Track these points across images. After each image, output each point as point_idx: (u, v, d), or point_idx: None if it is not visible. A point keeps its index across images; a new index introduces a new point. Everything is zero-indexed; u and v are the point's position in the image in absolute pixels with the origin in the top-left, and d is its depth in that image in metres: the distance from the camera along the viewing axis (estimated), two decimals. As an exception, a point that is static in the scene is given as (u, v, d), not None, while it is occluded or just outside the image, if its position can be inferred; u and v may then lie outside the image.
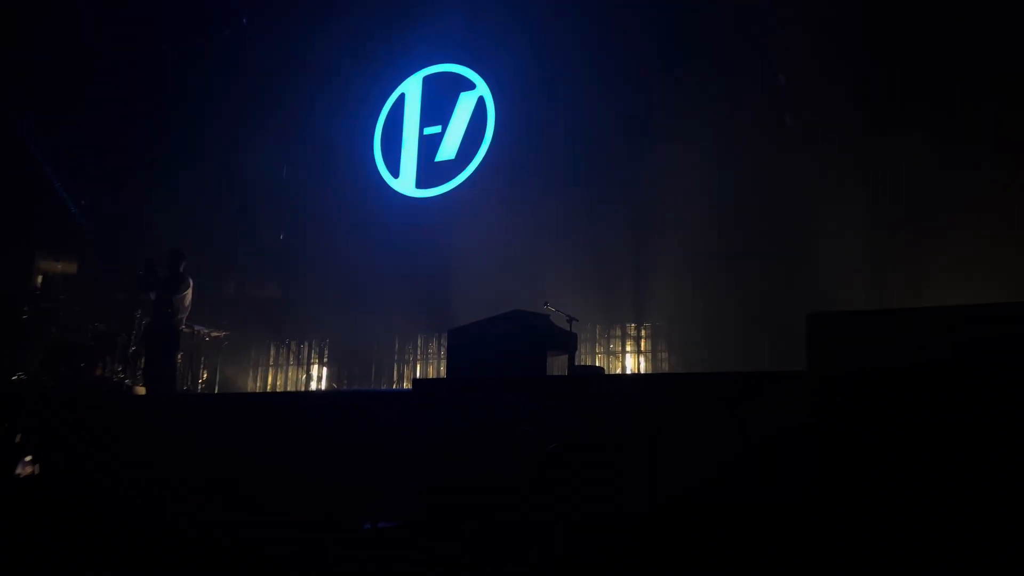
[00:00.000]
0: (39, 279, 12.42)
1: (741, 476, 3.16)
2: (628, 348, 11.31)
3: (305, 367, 13.79)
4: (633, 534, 3.23)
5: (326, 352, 13.73)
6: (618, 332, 11.40)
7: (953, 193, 8.87)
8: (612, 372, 10.89)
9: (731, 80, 10.40)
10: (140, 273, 9.52)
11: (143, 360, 10.22)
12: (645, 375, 10.46)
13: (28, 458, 4.51)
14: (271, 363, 14.11)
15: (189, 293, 9.66)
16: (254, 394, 12.61)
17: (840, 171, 9.64)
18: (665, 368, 10.89)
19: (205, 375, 12.31)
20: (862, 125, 9.89)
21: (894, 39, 9.63)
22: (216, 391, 12.29)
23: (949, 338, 4.03)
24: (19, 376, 11.40)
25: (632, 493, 3.33)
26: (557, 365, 8.44)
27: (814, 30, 9.88)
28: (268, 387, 13.87)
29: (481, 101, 12.84)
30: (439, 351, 12.42)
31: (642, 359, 11.17)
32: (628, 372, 11.04)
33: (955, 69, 9.17)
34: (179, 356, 10.16)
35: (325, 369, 13.69)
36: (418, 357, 12.85)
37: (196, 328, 11.17)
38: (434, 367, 12.56)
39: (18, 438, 4.64)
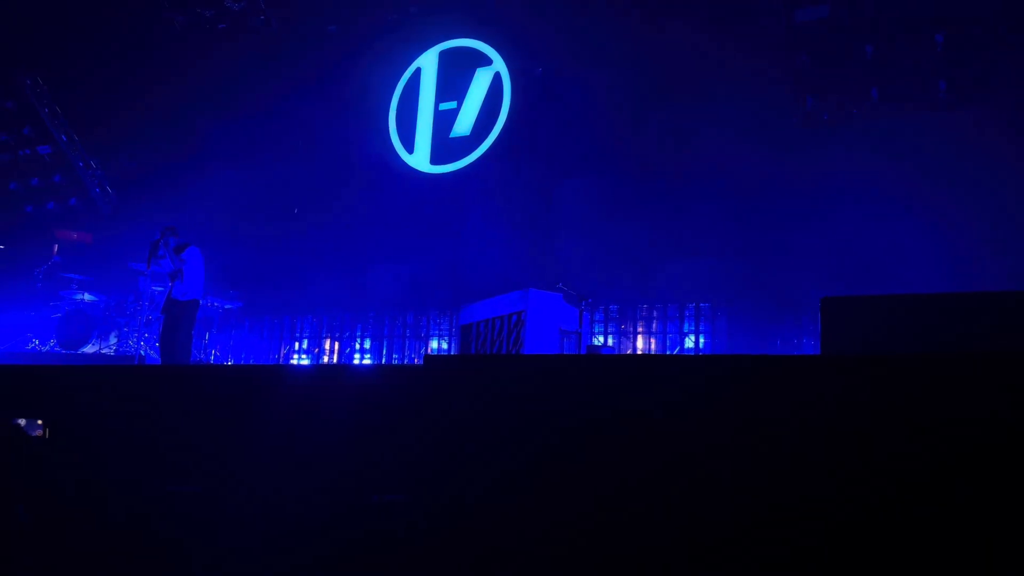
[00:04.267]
0: (55, 248, 12.51)
1: (743, 465, 3.14)
2: (639, 329, 11.29)
3: (319, 340, 13.87)
4: (633, 517, 3.22)
5: (339, 326, 13.79)
6: (631, 313, 11.37)
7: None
8: (623, 352, 10.88)
9: (752, 57, 10.26)
10: (151, 245, 9.56)
11: (162, 331, 10.29)
12: (651, 356, 10.43)
13: (39, 421, 4.54)
14: (285, 335, 14.18)
15: (199, 266, 9.67)
16: (265, 366, 12.70)
17: (864, 149, 9.53)
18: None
19: (217, 347, 12.41)
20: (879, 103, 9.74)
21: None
22: (229, 362, 12.39)
23: (966, 324, 3.99)
24: (34, 344, 11.53)
25: (630, 481, 3.32)
26: (569, 344, 8.44)
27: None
28: (281, 359, 13.97)
29: (497, 77, 12.74)
30: (451, 327, 12.45)
31: (653, 340, 11.15)
32: (638, 353, 11.03)
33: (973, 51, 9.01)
34: (192, 327, 10.19)
35: (337, 344, 13.76)
36: (431, 333, 12.89)
37: (209, 300, 11.24)
38: (447, 343, 12.60)
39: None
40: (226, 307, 11.92)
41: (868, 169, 9.38)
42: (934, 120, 9.52)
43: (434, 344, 12.84)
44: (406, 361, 12.76)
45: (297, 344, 14.10)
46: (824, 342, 4.24)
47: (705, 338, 10.80)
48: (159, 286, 10.52)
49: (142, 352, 10.70)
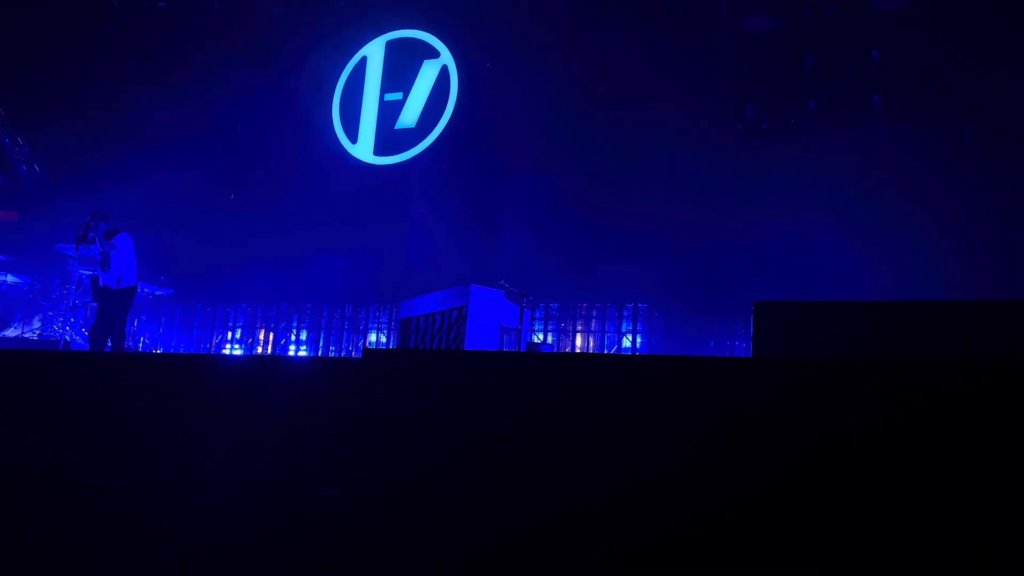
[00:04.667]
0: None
1: (671, 462, 3.21)
2: (579, 327, 11.40)
3: (253, 330, 13.58)
4: (560, 522, 3.26)
5: (274, 316, 13.53)
6: (571, 311, 11.48)
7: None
8: (562, 350, 10.97)
9: (697, 64, 10.46)
10: (81, 227, 9.20)
11: (96, 319, 9.90)
12: (589, 355, 10.55)
13: None
14: (217, 324, 13.84)
15: (130, 253, 9.35)
16: (196, 355, 12.37)
17: (801, 158, 9.82)
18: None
19: (146, 335, 12.03)
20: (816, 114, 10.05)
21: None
22: (158, 351, 12.04)
23: (894, 332, 4.15)
24: (-50, 326, 11.00)
25: (566, 476, 3.36)
26: (509, 341, 8.47)
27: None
28: (213, 349, 13.64)
29: (444, 70, 12.67)
30: (391, 321, 12.34)
31: (592, 339, 11.27)
32: (576, 351, 11.14)
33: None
34: (127, 316, 9.83)
35: (272, 334, 13.50)
36: (369, 326, 12.76)
37: (141, 287, 10.88)
38: (386, 336, 12.49)
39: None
40: (156, 294, 11.57)
41: (804, 178, 9.66)
42: (869, 132, 9.86)
43: (373, 337, 12.71)
44: (343, 354, 12.60)
45: (230, 334, 13.78)
46: (756, 345, 4.35)
47: (642, 338, 10.98)
48: (87, 270, 10.15)
49: (67, 338, 10.30)
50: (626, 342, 11.07)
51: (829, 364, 3.29)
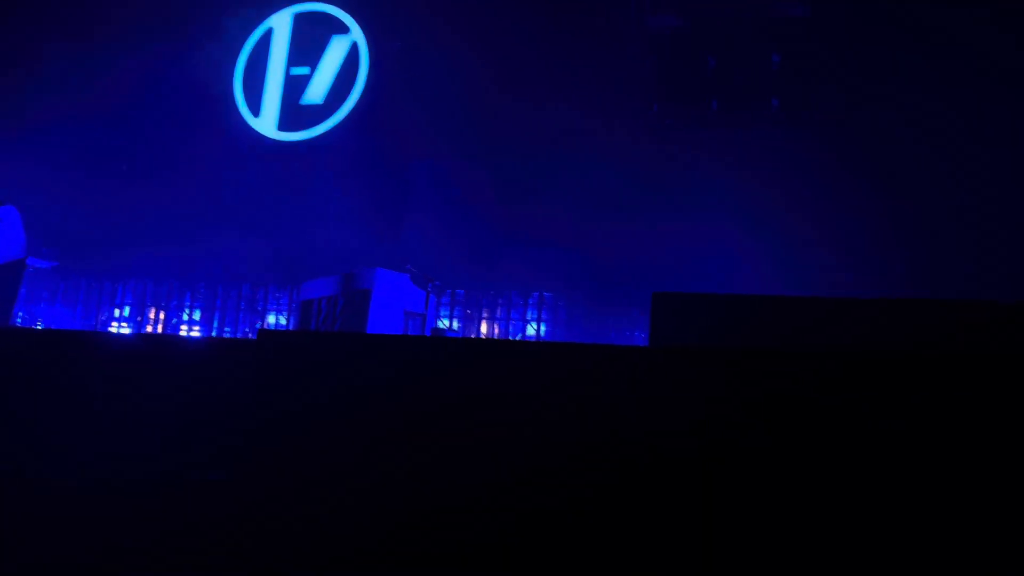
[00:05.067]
0: None
1: (571, 448, 3.27)
2: (485, 314, 11.44)
3: (142, 309, 12.95)
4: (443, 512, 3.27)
5: (165, 294, 12.94)
6: (477, 298, 11.50)
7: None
8: (467, 336, 10.99)
9: (606, 58, 10.62)
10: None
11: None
12: (494, 340, 10.62)
13: None
14: (103, 301, 13.13)
15: (18, 226, 8.73)
16: (79, 332, 11.71)
17: (703, 156, 10.13)
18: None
19: (23, 310, 11.31)
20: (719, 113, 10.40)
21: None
22: (40, 326, 11.33)
23: (783, 324, 4.35)
24: None
25: (468, 463, 3.37)
26: (413, 326, 8.41)
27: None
28: (99, 327, 12.94)
29: (355, 48, 12.39)
30: (291, 303, 12.04)
31: (497, 326, 11.33)
32: (481, 337, 11.18)
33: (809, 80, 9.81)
34: (17, 291, 9.14)
35: (162, 313, 12.93)
36: (268, 307, 12.39)
37: (25, 261, 10.17)
38: (286, 319, 12.17)
39: None
40: (37, 267, 10.86)
41: (705, 175, 9.99)
42: (766, 134, 10.28)
43: (272, 319, 12.36)
44: (239, 336, 12.20)
45: (117, 311, 13.11)
46: (652, 334, 4.48)
47: (546, 326, 11.13)
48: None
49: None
50: (530, 330, 11.19)
51: (720, 352, 3.42)
